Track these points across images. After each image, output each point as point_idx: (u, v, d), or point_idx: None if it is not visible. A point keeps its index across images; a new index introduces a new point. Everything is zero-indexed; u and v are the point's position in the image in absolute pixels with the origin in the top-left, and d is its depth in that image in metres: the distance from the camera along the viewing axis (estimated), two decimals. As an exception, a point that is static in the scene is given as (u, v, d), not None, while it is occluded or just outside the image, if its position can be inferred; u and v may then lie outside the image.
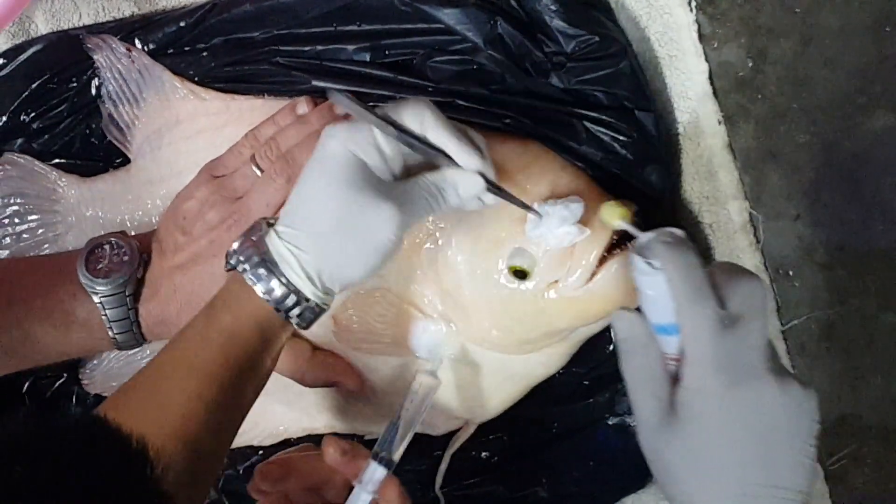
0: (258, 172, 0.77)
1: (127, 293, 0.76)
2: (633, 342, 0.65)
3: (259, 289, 0.66)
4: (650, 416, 0.63)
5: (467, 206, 0.71)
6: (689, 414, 0.61)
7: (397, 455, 0.76)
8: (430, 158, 0.68)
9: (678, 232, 0.65)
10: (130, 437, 0.49)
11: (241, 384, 0.66)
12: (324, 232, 0.66)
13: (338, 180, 0.65)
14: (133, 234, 0.89)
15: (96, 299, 0.76)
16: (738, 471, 0.59)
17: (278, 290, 0.66)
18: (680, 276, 0.62)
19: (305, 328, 0.70)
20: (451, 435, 0.90)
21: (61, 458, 0.45)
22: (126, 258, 0.78)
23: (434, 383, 0.80)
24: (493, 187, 0.70)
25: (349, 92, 0.81)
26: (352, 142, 0.66)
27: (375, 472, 0.74)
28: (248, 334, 0.67)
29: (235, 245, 0.69)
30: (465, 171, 0.68)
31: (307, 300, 0.67)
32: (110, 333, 0.77)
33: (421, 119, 0.67)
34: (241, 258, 0.67)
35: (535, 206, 0.73)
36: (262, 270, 0.66)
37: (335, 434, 0.93)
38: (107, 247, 0.78)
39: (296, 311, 0.67)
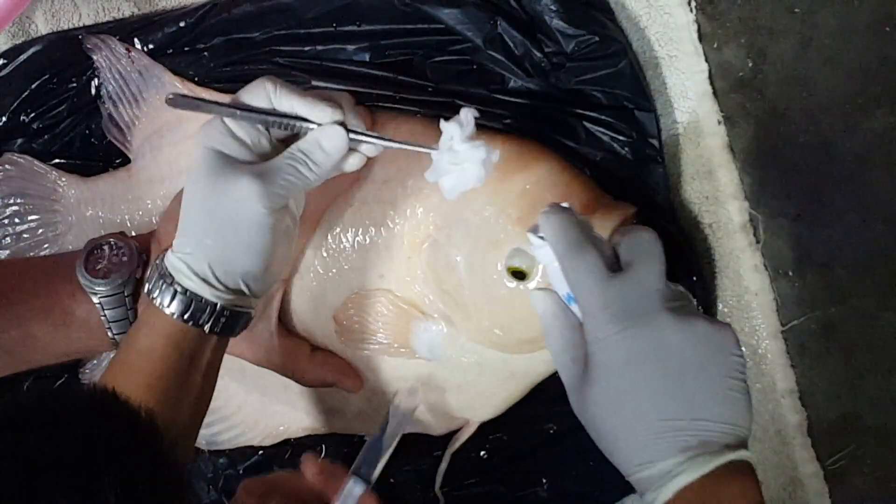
0: None
1: (126, 293, 0.76)
2: (548, 315, 0.66)
3: (162, 304, 0.67)
4: (572, 380, 0.64)
5: (347, 167, 0.70)
6: (596, 365, 0.62)
7: (376, 473, 0.76)
8: (293, 129, 0.67)
9: (563, 204, 0.67)
10: (139, 409, 0.49)
11: (170, 404, 0.66)
12: (200, 228, 0.66)
13: (199, 177, 0.66)
14: (133, 234, 0.89)
15: (95, 300, 0.75)
16: (653, 408, 0.60)
17: (179, 302, 0.66)
18: (556, 234, 0.64)
19: (233, 335, 0.70)
20: (452, 435, 0.90)
21: (75, 428, 0.45)
22: (125, 259, 0.78)
23: (413, 404, 0.80)
24: (359, 133, 0.68)
25: (350, 92, 0.82)
26: (207, 138, 0.66)
27: (354, 489, 0.74)
28: (165, 352, 0.67)
29: (149, 271, 0.70)
30: (322, 126, 0.67)
31: (213, 305, 0.67)
32: (109, 334, 0.77)
33: (266, 94, 0.67)
34: (147, 279, 0.68)
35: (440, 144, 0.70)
36: (162, 285, 0.67)
37: (335, 435, 0.93)
38: (106, 247, 0.78)
39: (207, 319, 0.67)
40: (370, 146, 0.69)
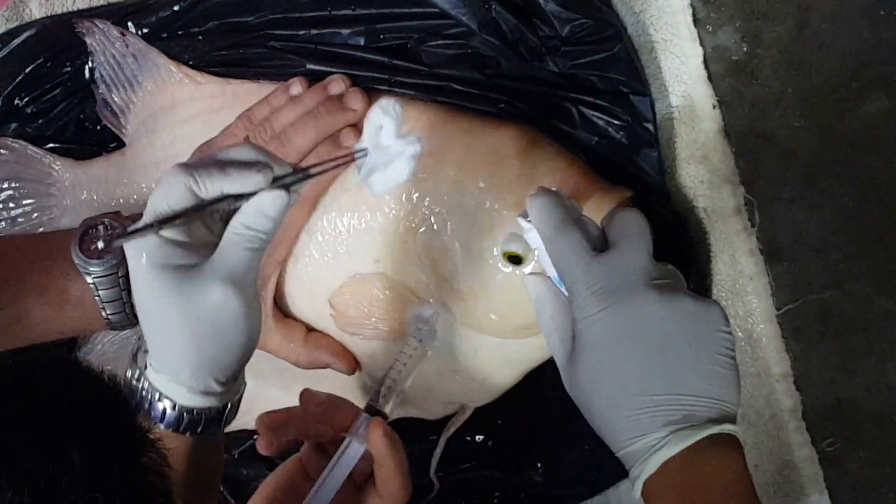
0: None
1: (120, 274, 0.76)
2: (540, 298, 0.67)
3: (162, 425, 0.65)
4: (562, 359, 0.65)
5: (294, 202, 0.65)
6: (582, 343, 0.62)
7: (388, 407, 0.74)
8: (228, 208, 0.62)
9: (553, 188, 0.68)
10: (102, 374, 0.49)
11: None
12: (186, 345, 0.62)
13: (160, 296, 0.61)
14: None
15: (89, 280, 0.75)
16: (637, 383, 0.60)
17: (183, 419, 0.65)
18: (541, 216, 0.65)
19: (230, 423, 0.69)
20: (447, 419, 0.90)
21: (39, 390, 0.45)
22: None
23: (428, 341, 0.78)
24: (292, 176, 0.63)
25: (345, 75, 0.81)
26: (148, 257, 0.62)
27: (364, 423, 0.72)
28: (186, 476, 0.66)
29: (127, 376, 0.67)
30: (258, 195, 0.62)
31: (216, 409, 0.66)
32: (103, 314, 0.76)
33: (187, 187, 0.61)
34: (138, 396, 0.66)
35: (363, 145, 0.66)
36: (160, 406, 0.65)
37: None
38: (101, 227, 0.77)
39: (210, 420, 0.66)
40: (307, 184, 0.65)
